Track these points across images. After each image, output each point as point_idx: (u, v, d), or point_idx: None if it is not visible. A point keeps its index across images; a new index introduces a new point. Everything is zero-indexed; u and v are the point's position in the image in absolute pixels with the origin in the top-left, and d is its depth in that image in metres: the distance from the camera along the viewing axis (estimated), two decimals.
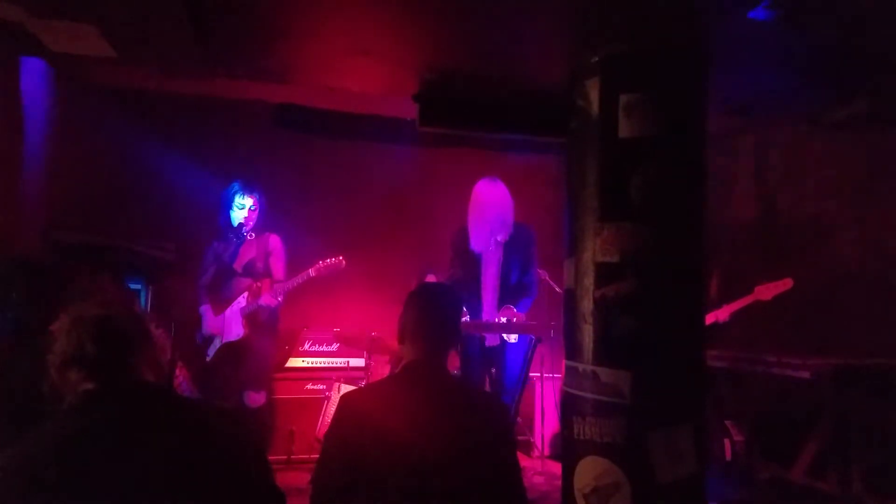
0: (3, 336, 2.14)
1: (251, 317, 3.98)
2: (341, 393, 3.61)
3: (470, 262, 3.85)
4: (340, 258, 3.97)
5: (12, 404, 1.81)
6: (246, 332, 3.96)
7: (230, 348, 3.99)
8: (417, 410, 1.83)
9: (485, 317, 3.79)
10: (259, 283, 4.01)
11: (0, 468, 1.30)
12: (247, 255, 4.07)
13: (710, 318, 3.80)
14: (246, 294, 4.00)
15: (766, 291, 3.78)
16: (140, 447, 1.35)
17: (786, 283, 3.74)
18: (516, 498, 1.96)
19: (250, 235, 4.03)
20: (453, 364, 3.75)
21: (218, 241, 4.11)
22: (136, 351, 1.50)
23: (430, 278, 4.90)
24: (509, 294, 3.82)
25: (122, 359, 1.46)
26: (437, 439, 1.78)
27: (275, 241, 4.14)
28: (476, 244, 3.80)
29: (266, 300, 3.92)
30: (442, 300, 2.09)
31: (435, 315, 2.01)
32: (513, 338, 3.74)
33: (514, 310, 3.72)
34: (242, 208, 4.00)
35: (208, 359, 4.06)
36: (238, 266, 4.05)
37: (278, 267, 4.10)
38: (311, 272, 3.93)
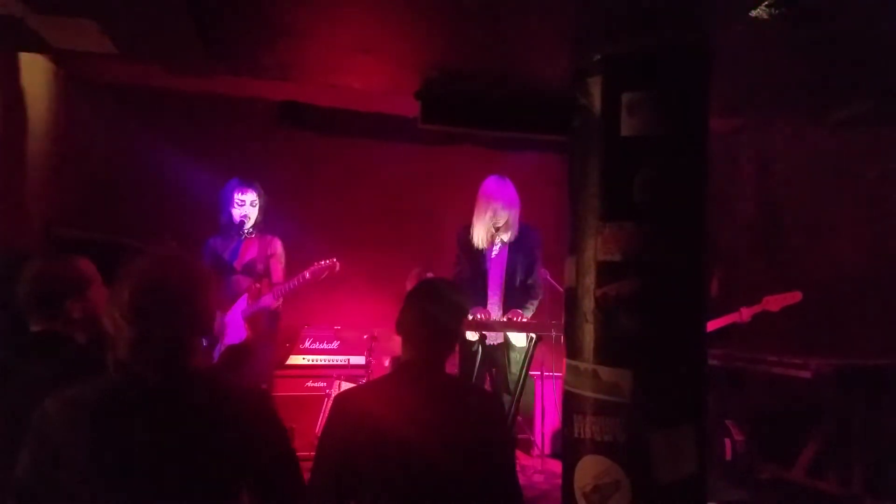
0: (6, 334, 2.14)
1: (252, 319, 3.96)
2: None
3: (476, 260, 3.84)
4: (334, 260, 3.92)
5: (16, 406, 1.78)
6: (247, 335, 3.95)
7: (232, 350, 3.99)
8: (413, 410, 1.83)
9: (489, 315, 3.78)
10: (259, 285, 4.00)
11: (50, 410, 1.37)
12: (248, 254, 4.05)
13: (728, 320, 3.88)
14: (246, 296, 3.98)
15: (775, 303, 3.80)
16: (170, 422, 1.40)
17: (795, 296, 3.77)
18: (512, 497, 1.95)
19: (251, 233, 4.01)
20: (452, 361, 3.74)
21: (216, 237, 4.08)
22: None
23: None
24: (514, 294, 3.81)
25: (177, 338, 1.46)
26: (433, 439, 1.77)
27: (277, 245, 4.13)
28: (480, 242, 3.79)
29: (266, 301, 3.91)
30: (444, 300, 1.97)
31: (435, 316, 1.93)
32: (520, 341, 3.69)
33: (521, 314, 3.70)
34: (243, 204, 3.99)
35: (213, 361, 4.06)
36: (238, 265, 4.03)
37: (278, 269, 4.09)
38: (307, 275, 3.89)
